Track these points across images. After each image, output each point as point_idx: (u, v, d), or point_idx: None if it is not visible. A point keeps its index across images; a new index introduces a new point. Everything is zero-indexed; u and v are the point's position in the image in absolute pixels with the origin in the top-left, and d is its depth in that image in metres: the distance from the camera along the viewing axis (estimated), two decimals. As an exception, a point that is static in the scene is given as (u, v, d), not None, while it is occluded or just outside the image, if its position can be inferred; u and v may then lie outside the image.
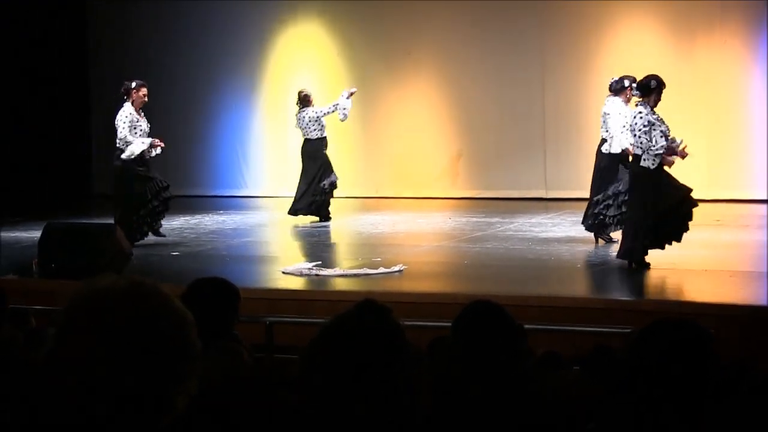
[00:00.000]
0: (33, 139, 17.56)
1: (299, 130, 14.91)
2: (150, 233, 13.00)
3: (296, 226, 14.44)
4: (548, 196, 16.74)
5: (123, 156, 12.59)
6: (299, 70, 18.07)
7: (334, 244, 13.69)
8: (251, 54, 18.26)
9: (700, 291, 10.07)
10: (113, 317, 1.95)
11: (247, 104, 18.06)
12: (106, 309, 1.96)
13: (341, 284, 10.30)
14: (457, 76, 17.29)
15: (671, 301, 9.39)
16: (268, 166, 17.91)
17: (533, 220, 14.36)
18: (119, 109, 12.77)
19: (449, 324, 4.59)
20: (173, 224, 14.14)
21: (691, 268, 10.65)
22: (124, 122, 12.59)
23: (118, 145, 12.67)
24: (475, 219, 14.64)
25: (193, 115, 15.48)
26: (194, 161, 14.90)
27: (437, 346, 5.32)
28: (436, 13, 17.19)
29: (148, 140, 12.67)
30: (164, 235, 13.14)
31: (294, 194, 14.89)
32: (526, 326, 4.95)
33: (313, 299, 9.69)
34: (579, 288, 9.89)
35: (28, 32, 17.60)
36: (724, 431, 2.92)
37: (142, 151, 12.64)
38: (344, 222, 15.24)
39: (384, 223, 14.80)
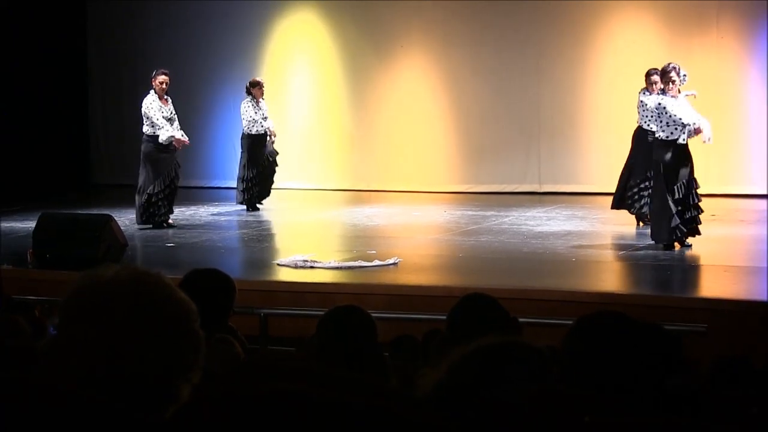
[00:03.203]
0: (31, 130, 17.54)
1: (258, 120, 15.17)
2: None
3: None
4: (542, 190, 16.75)
5: (160, 140, 13.28)
6: (294, 63, 18.07)
7: (329, 236, 13.69)
8: (247, 46, 18.25)
9: (694, 285, 10.10)
10: (117, 307, 1.95)
11: (243, 94, 18.04)
12: (110, 299, 1.96)
13: (336, 276, 10.30)
14: (452, 70, 17.29)
15: (665, 295, 9.40)
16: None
17: (528, 214, 14.37)
18: (144, 97, 13.53)
19: (444, 317, 4.60)
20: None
21: (685, 262, 10.68)
22: (150, 108, 13.31)
23: (145, 131, 13.40)
24: (470, 212, 14.65)
25: (189, 107, 15.49)
26: (190, 152, 14.85)
27: (432, 338, 5.33)
28: (431, 7, 17.18)
29: (177, 134, 13.38)
30: (172, 226, 13.58)
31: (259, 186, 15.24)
32: (521, 319, 4.96)
33: (308, 291, 9.69)
34: (574, 281, 9.88)
35: (27, 24, 17.57)
36: (720, 426, 2.91)
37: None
38: (339, 214, 15.25)
39: (379, 215, 14.80)
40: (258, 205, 15.19)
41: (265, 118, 15.13)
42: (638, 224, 12.87)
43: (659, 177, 11.09)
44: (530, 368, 2.34)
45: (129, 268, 2.01)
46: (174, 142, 13.39)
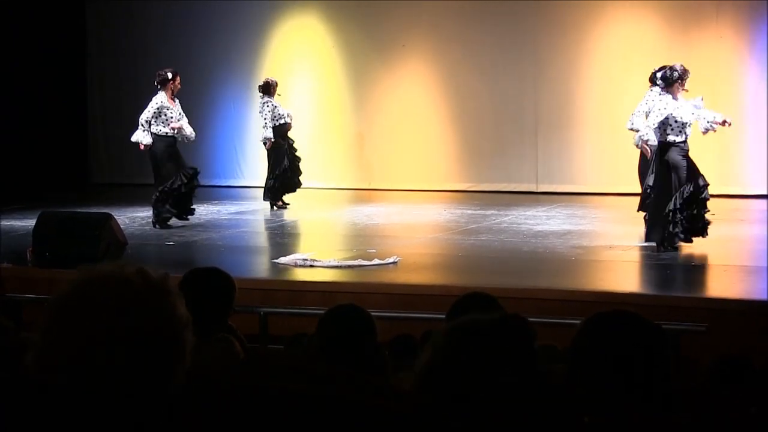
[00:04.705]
0: (31, 130, 17.54)
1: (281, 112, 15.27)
2: (174, 217, 13.53)
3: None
4: (539, 190, 16.74)
5: (131, 138, 13.48)
6: (296, 62, 18.06)
7: (329, 235, 13.69)
8: (248, 47, 18.25)
9: (694, 285, 10.09)
10: (102, 306, 1.93)
11: (244, 95, 18.06)
12: (97, 299, 1.94)
13: (336, 275, 10.29)
14: (451, 70, 17.28)
15: (665, 295, 9.39)
16: (265, 157, 17.94)
17: (528, 213, 14.37)
18: (153, 96, 13.55)
19: (443, 316, 4.60)
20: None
21: (685, 262, 10.68)
22: (151, 108, 13.41)
23: (155, 132, 13.46)
24: (470, 211, 14.65)
25: (190, 106, 15.44)
26: (191, 151, 14.84)
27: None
28: (431, 7, 17.18)
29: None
30: (186, 219, 13.63)
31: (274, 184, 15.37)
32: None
33: (308, 290, 9.69)
34: (573, 281, 9.88)
35: (27, 24, 17.57)
36: (720, 425, 2.91)
37: (175, 136, 13.51)
38: (339, 213, 15.25)
39: (379, 214, 14.81)
40: (285, 201, 15.32)
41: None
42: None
43: (664, 178, 11.21)
44: (515, 341, 2.33)
45: (125, 268, 2.00)
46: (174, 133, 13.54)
